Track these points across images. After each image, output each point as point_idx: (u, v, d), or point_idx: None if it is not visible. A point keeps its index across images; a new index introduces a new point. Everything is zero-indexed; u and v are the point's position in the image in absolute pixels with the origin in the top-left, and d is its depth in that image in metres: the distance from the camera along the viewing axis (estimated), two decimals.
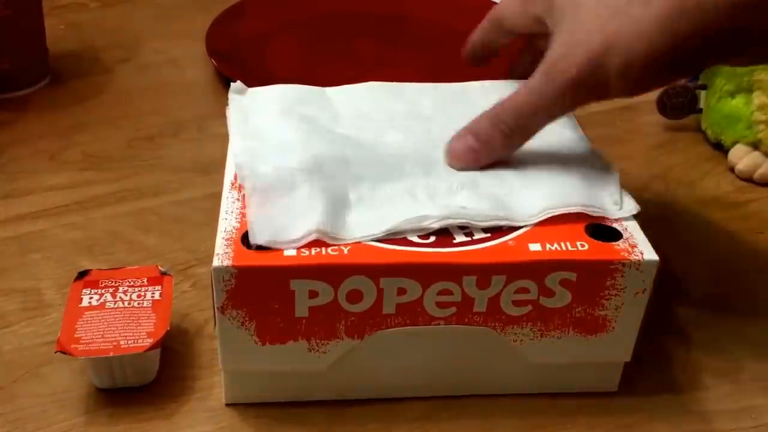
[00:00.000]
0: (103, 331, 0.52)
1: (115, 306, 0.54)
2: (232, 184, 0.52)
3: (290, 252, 0.46)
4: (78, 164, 0.77)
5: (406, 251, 0.47)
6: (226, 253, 0.46)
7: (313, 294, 0.47)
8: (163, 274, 0.56)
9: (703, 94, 0.84)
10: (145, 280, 0.56)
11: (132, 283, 0.56)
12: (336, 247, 0.47)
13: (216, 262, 0.46)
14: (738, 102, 0.80)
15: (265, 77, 0.89)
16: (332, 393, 0.53)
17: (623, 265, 0.48)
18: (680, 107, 0.85)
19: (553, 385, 0.54)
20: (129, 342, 0.51)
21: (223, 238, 0.47)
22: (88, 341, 0.51)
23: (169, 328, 0.53)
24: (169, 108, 0.86)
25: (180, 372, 0.55)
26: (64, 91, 0.88)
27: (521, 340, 0.50)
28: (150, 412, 0.53)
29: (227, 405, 0.53)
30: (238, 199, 0.51)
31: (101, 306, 0.54)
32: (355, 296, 0.47)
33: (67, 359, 0.52)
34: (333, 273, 0.46)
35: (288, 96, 0.59)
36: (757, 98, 0.78)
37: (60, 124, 0.82)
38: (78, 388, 0.54)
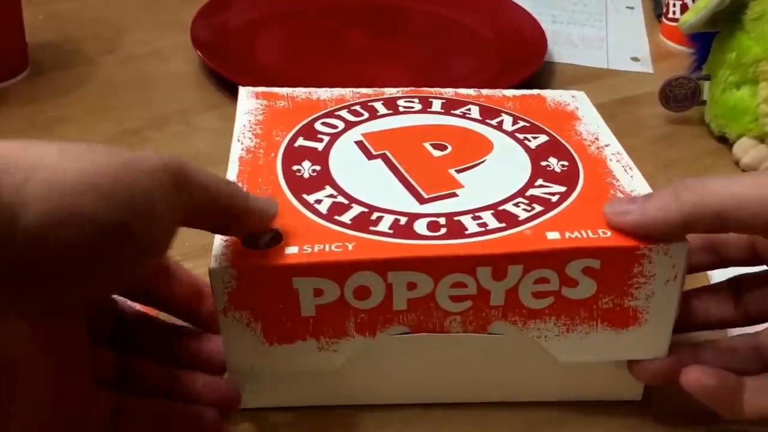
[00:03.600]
0: None
1: None
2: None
3: (292, 250, 0.46)
4: None
5: (414, 245, 0.46)
6: (224, 254, 0.45)
7: (318, 292, 0.46)
8: None
9: (706, 85, 0.84)
10: None
11: None
12: (340, 243, 0.46)
13: (213, 264, 0.45)
14: (743, 93, 0.80)
15: (253, 69, 0.90)
16: (349, 398, 0.53)
17: (650, 249, 0.47)
18: (683, 99, 0.85)
19: (578, 392, 0.54)
20: None
21: (222, 238, 0.47)
22: None
23: None
24: (153, 101, 0.86)
25: None
26: (44, 83, 0.88)
27: (545, 336, 0.49)
28: None
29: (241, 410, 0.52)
30: None
31: None
32: (362, 292, 0.46)
33: None
34: (337, 270, 0.46)
35: None
36: (764, 90, 0.78)
37: (40, 117, 0.82)
38: None
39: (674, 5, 1.03)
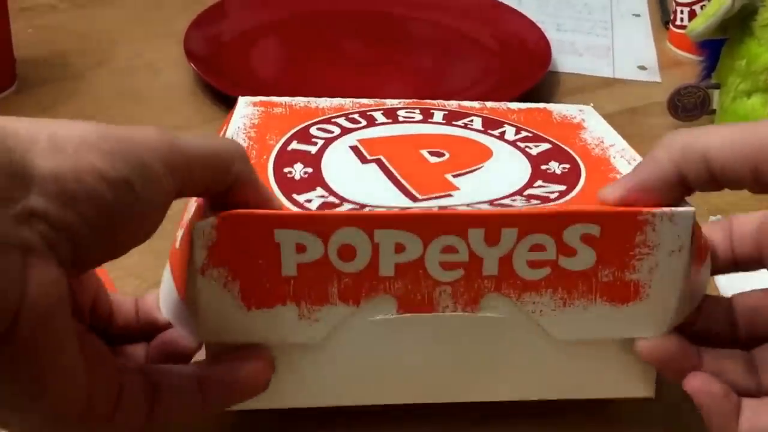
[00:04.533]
0: None
1: None
2: None
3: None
4: None
5: (404, 210, 0.46)
6: (208, 213, 0.45)
7: (300, 248, 0.45)
8: None
9: (716, 93, 0.84)
10: None
11: None
12: (327, 202, 0.46)
13: (197, 220, 0.45)
14: (754, 102, 0.79)
15: (249, 82, 0.89)
16: (329, 399, 0.51)
17: (654, 216, 0.46)
18: (692, 108, 0.84)
19: (583, 387, 0.52)
20: None
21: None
22: None
23: None
24: (145, 115, 0.86)
25: None
26: (33, 98, 0.87)
27: (541, 311, 0.48)
28: None
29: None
30: None
31: None
32: (347, 252, 0.46)
33: None
34: (321, 223, 0.45)
35: None
36: None
37: None
38: None
39: (682, 12, 1.03)
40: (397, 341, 0.49)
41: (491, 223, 0.45)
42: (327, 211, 0.45)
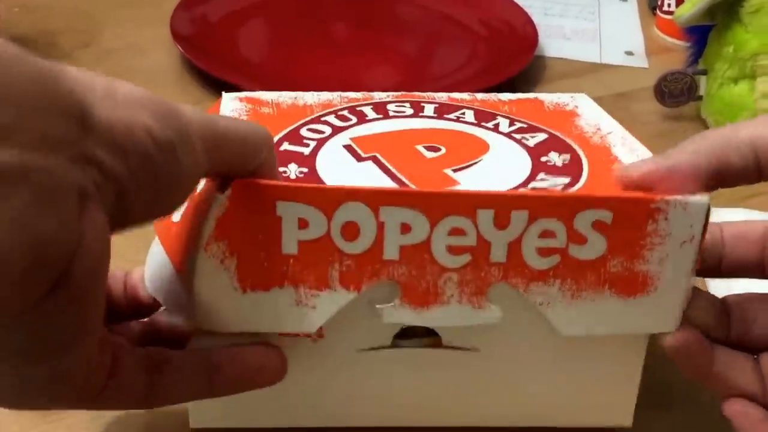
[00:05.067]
0: None
1: None
2: None
3: None
4: None
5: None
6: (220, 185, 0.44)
7: (302, 223, 0.44)
8: None
9: (703, 79, 0.84)
10: None
11: None
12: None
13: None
14: (741, 89, 0.80)
15: (236, 63, 0.89)
16: (316, 418, 0.51)
17: (667, 203, 0.45)
18: (679, 94, 0.85)
19: (564, 416, 0.53)
20: None
21: None
22: None
23: None
24: None
25: None
26: None
27: (549, 302, 0.47)
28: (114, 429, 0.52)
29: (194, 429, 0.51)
30: None
31: None
32: (351, 230, 0.45)
33: None
34: (325, 197, 0.44)
35: None
36: (762, 84, 0.78)
37: None
38: None
39: None
40: (387, 370, 0.49)
41: (501, 204, 0.45)
42: (331, 185, 0.44)
